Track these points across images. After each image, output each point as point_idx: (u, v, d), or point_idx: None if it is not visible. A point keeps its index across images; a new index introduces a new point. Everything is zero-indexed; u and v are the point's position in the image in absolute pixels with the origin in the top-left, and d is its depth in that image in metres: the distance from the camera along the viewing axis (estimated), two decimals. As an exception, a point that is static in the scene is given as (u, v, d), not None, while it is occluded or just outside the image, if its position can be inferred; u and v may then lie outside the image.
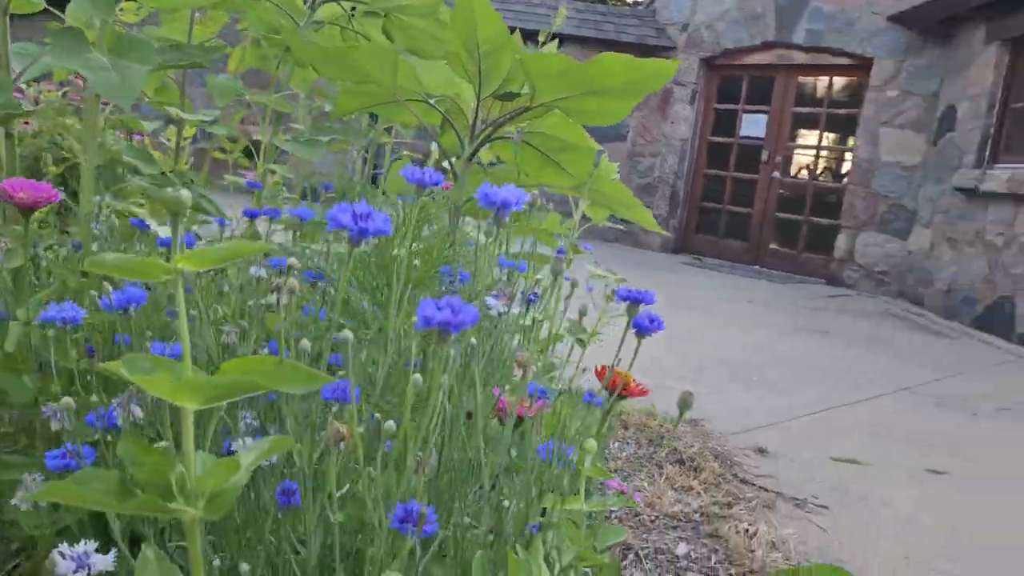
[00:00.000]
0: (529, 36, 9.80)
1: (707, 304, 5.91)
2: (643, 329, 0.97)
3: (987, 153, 6.47)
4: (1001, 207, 6.02)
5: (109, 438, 0.80)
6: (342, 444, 0.69)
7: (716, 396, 3.43)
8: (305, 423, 0.79)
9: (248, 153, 2.60)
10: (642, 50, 9.50)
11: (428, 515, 0.68)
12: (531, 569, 0.71)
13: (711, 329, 4.99)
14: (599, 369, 1.11)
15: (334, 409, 0.75)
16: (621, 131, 9.71)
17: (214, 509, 0.52)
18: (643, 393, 1.10)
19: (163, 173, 1.53)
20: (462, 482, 0.87)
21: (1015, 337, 5.62)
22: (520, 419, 0.90)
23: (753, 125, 8.96)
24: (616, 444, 2.56)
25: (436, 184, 0.81)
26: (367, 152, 2.36)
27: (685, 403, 1.03)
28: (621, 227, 8.61)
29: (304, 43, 1.14)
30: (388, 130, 2.41)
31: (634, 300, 0.97)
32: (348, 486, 0.81)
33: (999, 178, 5.96)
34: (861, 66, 7.99)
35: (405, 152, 2.54)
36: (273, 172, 1.73)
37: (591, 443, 0.84)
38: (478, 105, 1.13)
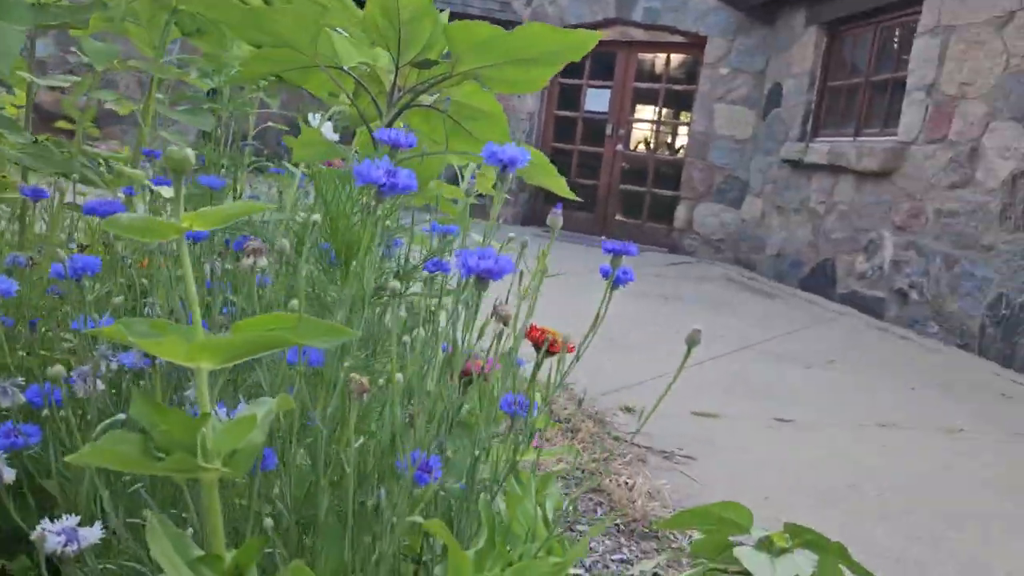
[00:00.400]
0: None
1: (559, 274, 6.10)
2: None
3: (809, 127, 7.03)
4: (822, 177, 6.57)
5: (61, 413, 0.77)
6: (364, 396, 0.71)
7: (581, 360, 3.58)
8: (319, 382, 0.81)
9: (97, 123, 2.45)
10: (488, 23, 9.55)
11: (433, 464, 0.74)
12: (525, 503, 0.76)
13: (566, 297, 5.16)
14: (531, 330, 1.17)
15: (346, 364, 0.77)
16: (470, 105, 9.75)
17: (236, 467, 0.52)
18: (571, 350, 1.17)
19: (36, 140, 1.43)
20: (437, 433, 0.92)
21: (836, 296, 6.18)
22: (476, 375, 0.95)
23: (597, 100, 9.26)
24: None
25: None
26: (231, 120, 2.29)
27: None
28: (474, 201, 8.66)
29: (221, 2, 1.10)
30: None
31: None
32: (362, 439, 0.83)
33: (820, 150, 6.50)
34: (696, 44, 8.43)
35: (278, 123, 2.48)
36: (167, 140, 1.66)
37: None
38: (396, 73, 1.15)
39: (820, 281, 6.45)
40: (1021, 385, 4.07)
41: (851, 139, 6.37)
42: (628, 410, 2.93)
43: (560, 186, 1.40)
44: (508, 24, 9.28)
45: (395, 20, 1.04)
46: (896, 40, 6.01)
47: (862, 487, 2.43)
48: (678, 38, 8.52)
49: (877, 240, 5.75)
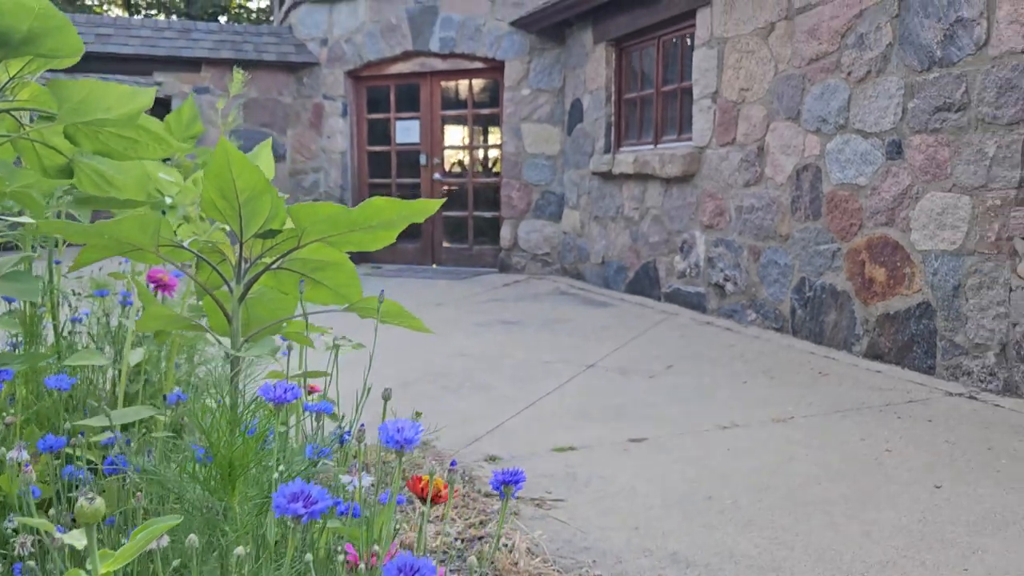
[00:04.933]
0: (161, 62, 9.16)
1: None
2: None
3: (613, 139, 7.41)
4: (632, 185, 6.95)
5: None
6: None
7: (435, 411, 3.60)
8: None
9: None
10: (286, 67, 9.39)
11: None
12: None
13: (406, 341, 5.17)
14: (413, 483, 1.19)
15: None
16: (278, 151, 9.54)
17: None
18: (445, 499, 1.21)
19: None
20: None
21: (662, 296, 6.55)
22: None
23: (407, 131, 9.31)
24: (364, 489, 2.60)
25: (295, 398, 0.82)
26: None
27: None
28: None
29: (63, 224, 1.05)
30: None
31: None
32: None
33: (626, 160, 6.87)
34: (495, 68, 8.67)
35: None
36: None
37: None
38: (241, 246, 1.13)
39: (645, 283, 6.81)
40: (832, 360, 4.50)
41: (652, 147, 6.78)
42: (493, 459, 2.98)
43: (416, 325, 1.43)
44: (303, 66, 9.16)
45: (234, 201, 1.04)
46: (679, 52, 6.46)
47: (719, 496, 2.61)
48: (477, 64, 8.73)
49: (690, 240, 6.16)
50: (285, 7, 10.13)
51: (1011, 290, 3.68)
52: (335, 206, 1.17)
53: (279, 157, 9.60)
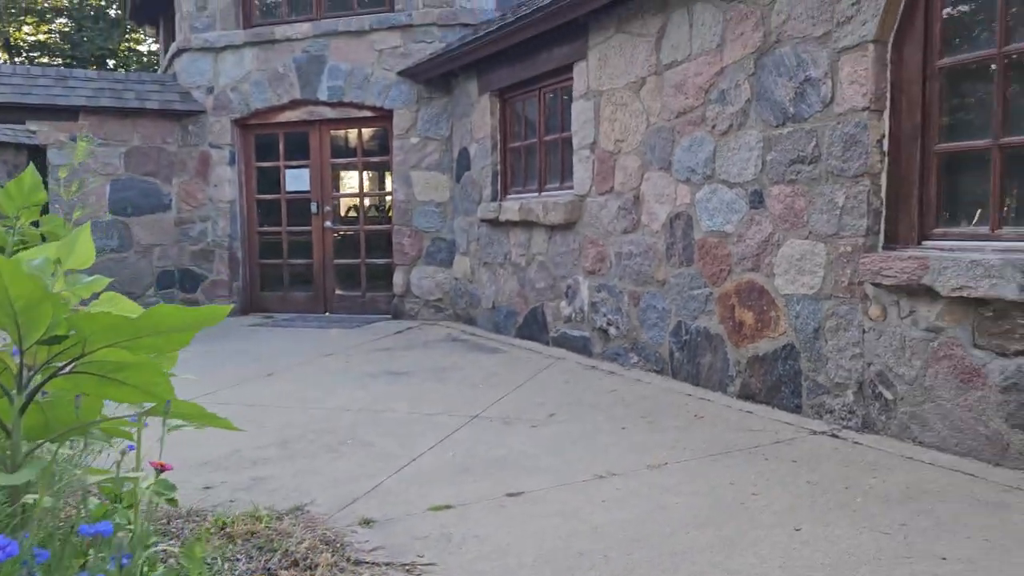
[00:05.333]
0: (34, 110, 8.83)
1: (282, 368, 5.97)
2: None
3: (499, 187, 7.53)
4: (519, 232, 7.06)
5: None
6: None
7: (313, 471, 3.54)
8: None
9: None
10: (170, 116, 9.18)
11: None
12: None
13: (293, 395, 5.07)
14: None
15: None
16: (163, 201, 9.28)
17: None
18: None
19: None
20: None
21: (550, 340, 6.65)
22: None
23: (297, 180, 9.21)
24: (227, 564, 2.53)
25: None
26: None
27: None
28: (182, 295, 8.16)
29: None
30: None
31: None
32: None
33: (512, 208, 6.99)
34: (384, 117, 8.70)
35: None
36: None
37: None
38: (22, 354, 1.10)
39: (534, 328, 6.90)
40: (708, 401, 4.65)
41: (537, 195, 6.92)
42: (367, 523, 2.95)
43: (222, 424, 1.42)
44: (189, 114, 8.97)
45: (9, 310, 1.01)
46: (559, 104, 6.64)
47: (590, 551, 2.66)
48: (366, 112, 8.74)
49: (574, 285, 6.29)
50: (169, 55, 9.93)
51: (864, 332, 3.91)
52: (117, 316, 1.16)
53: (164, 207, 9.34)
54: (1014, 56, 3.42)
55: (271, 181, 9.38)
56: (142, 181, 9.24)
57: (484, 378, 5.53)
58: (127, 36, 22.93)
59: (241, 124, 9.16)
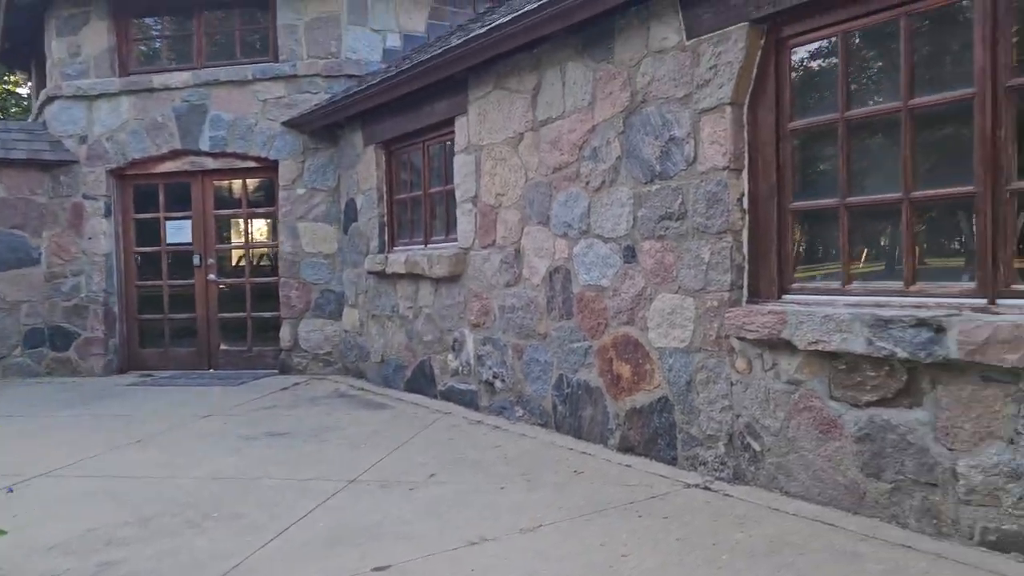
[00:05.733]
0: None
1: (154, 433, 5.68)
2: None
3: (386, 238, 7.46)
4: (406, 284, 6.99)
5: None
6: None
7: (171, 552, 3.34)
8: None
9: None
10: (39, 166, 8.76)
11: None
12: None
13: (159, 464, 4.81)
14: None
15: None
16: (32, 255, 8.80)
17: None
18: None
19: None
20: None
21: (438, 394, 6.57)
22: None
23: (178, 232, 8.90)
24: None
25: None
26: None
27: None
28: (53, 354, 7.69)
29: None
30: None
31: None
32: None
33: (398, 260, 6.92)
34: (269, 167, 8.53)
35: None
36: None
37: None
38: None
39: (422, 382, 6.81)
40: (589, 456, 4.65)
41: (423, 247, 6.88)
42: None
43: None
44: (60, 164, 8.58)
45: None
46: (443, 156, 6.65)
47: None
48: (251, 163, 8.55)
49: (460, 338, 6.25)
50: (40, 102, 9.50)
51: (732, 384, 4.00)
52: None
53: (33, 261, 8.84)
54: (855, 120, 3.61)
55: (151, 233, 9.03)
56: (8, 234, 8.74)
57: (367, 437, 5.40)
58: (4, 79, 21.90)
59: (118, 174, 8.81)
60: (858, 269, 3.66)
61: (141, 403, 7.03)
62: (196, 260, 8.83)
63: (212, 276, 8.80)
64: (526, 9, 4.98)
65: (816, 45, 3.79)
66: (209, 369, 8.84)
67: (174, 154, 8.64)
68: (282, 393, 7.33)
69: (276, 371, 8.53)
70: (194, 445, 5.32)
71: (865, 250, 3.70)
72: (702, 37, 4.05)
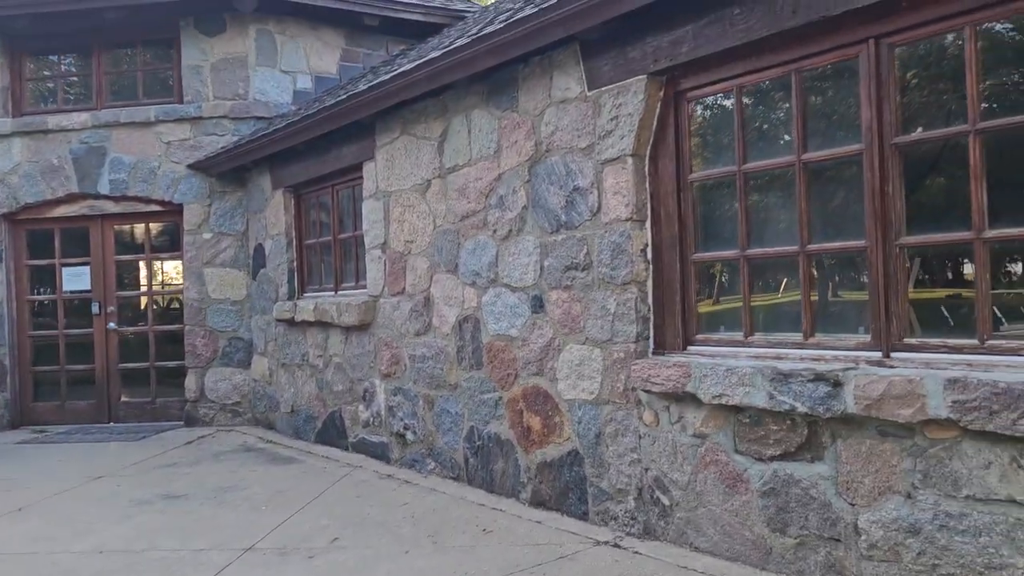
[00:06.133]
0: None
1: (38, 499, 5.30)
2: None
3: (296, 285, 7.24)
4: (315, 333, 6.78)
5: None
6: None
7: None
8: None
9: None
10: (-79, 211, 8.24)
11: None
12: None
13: (36, 538, 4.47)
14: None
15: None
16: (-88, 305, 8.24)
17: None
18: None
19: None
20: None
21: (349, 446, 6.35)
22: None
23: (76, 278, 8.47)
24: None
25: None
26: None
27: None
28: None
29: None
30: None
31: None
32: None
33: (307, 308, 6.71)
34: (174, 211, 8.22)
35: None
36: None
37: None
38: None
39: (333, 433, 6.58)
40: (500, 511, 4.52)
41: (333, 294, 6.69)
42: None
43: None
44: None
45: None
46: (352, 202, 6.51)
47: None
48: (154, 207, 8.24)
49: (371, 388, 6.07)
50: (-75, 142, 8.97)
51: (640, 437, 3.94)
52: None
53: (-85, 311, 8.28)
54: (752, 173, 3.63)
55: (46, 280, 8.58)
56: None
57: (271, 497, 5.15)
58: None
59: (9, 219, 8.37)
60: (759, 321, 3.66)
61: (29, 463, 6.59)
62: (95, 308, 8.41)
63: (112, 324, 8.39)
64: (430, 56, 4.93)
65: (713, 98, 3.82)
66: (109, 422, 8.39)
67: (71, 198, 8.26)
68: (185, 448, 6.98)
69: (181, 423, 8.15)
70: (81, 513, 4.98)
71: (766, 302, 3.71)
72: (603, 88, 4.05)
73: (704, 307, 3.88)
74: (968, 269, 3.16)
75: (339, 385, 6.48)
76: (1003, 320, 3.12)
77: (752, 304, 3.65)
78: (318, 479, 5.58)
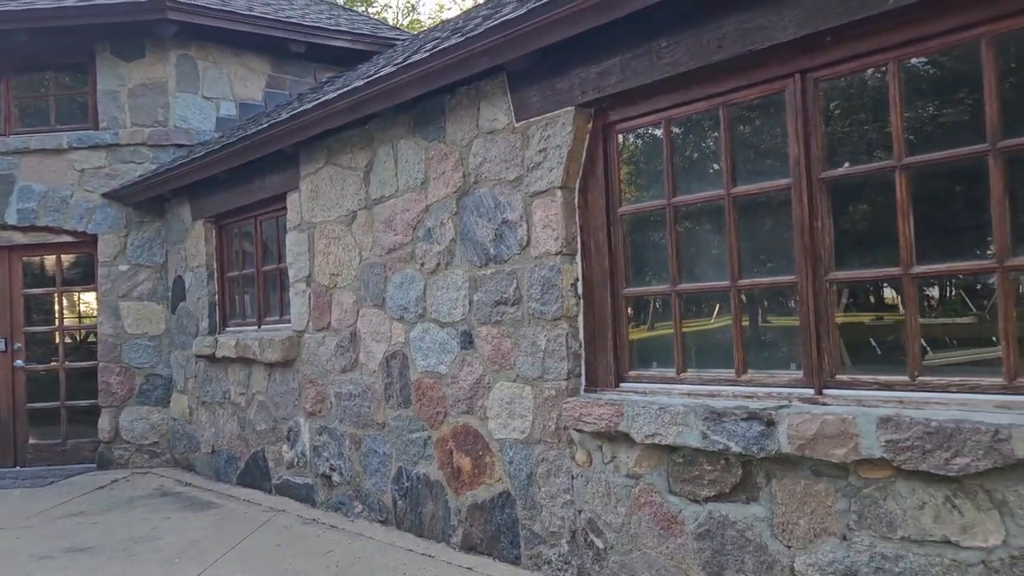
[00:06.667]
0: None
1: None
2: None
3: (217, 319, 6.95)
4: (237, 369, 6.49)
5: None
6: None
7: None
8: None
9: None
10: None
11: None
12: None
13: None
14: None
15: None
16: None
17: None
18: None
19: None
20: None
21: (273, 488, 6.07)
22: None
23: (-20, 313, 7.99)
24: None
25: None
26: None
27: None
28: None
29: None
30: None
31: None
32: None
33: (228, 344, 6.43)
34: (88, 242, 7.84)
35: None
36: None
37: None
38: None
39: (255, 475, 6.29)
40: (429, 558, 4.33)
41: (257, 328, 6.43)
42: None
43: None
44: None
45: None
46: (275, 233, 6.28)
47: None
48: (66, 238, 7.84)
49: (295, 428, 5.81)
50: None
51: (573, 478, 3.82)
52: None
53: None
54: (682, 206, 3.58)
55: (-52, 316, 8.06)
56: None
57: (185, 548, 4.85)
58: None
59: (-93, 252, 7.86)
60: (692, 357, 3.58)
61: (-78, 515, 6.11)
62: (1, 345, 7.93)
63: (19, 362, 7.92)
64: (354, 85, 4.78)
65: (642, 131, 3.77)
66: (15, 466, 7.88)
67: (-25, 229, 7.81)
68: (97, 494, 6.58)
69: (94, 466, 7.71)
70: (-25, 570, 4.61)
71: (698, 337, 3.64)
72: (531, 120, 3.96)
73: (638, 334, 3.79)
74: (892, 298, 3.15)
75: (262, 424, 6.20)
76: (928, 349, 3.11)
77: (684, 340, 3.58)
78: (238, 526, 5.29)
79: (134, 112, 7.74)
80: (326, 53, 8.51)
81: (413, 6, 25.25)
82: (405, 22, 23.46)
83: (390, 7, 24.54)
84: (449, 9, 24.23)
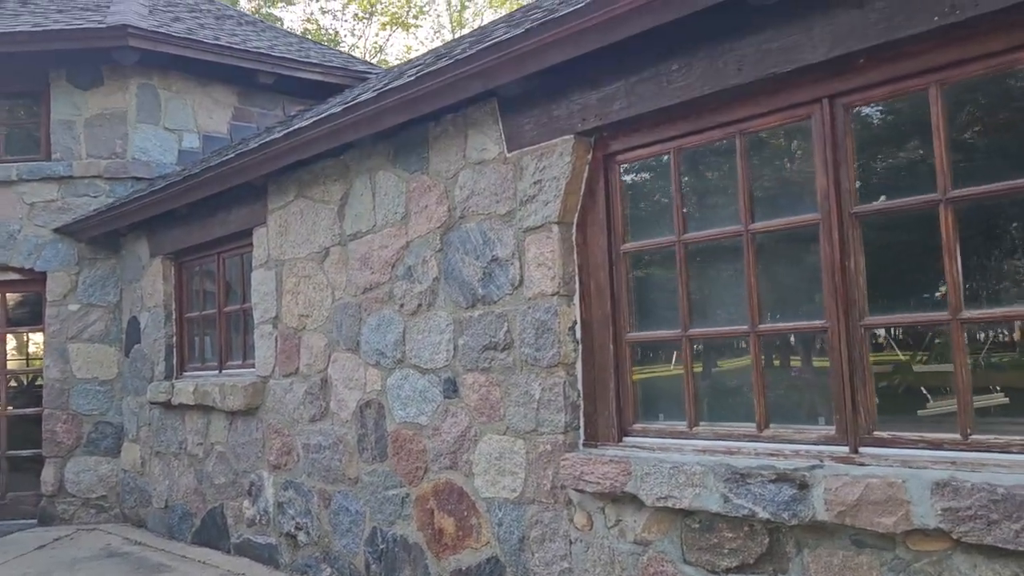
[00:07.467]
0: None
1: None
2: None
3: (175, 363, 6.49)
4: (195, 417, 6.03)
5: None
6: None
7: None
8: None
9: None
10: None
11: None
12: None
13: None
14: None
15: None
16: None
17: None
18: None
19: None
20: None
21: (232, 547, 5.58)
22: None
23: (-85, 356, 7.41)
24: None
25: None
26: None
27: None
28: None
29: None
30: None
31: None
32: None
33: (186, 390, 5.97)
34: (36, 280, 7.34)
35: None
36: None
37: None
38: None
39: (213, 533, 5.79)
40: (407, 631, 3.90)
41: (218, 373, 5.99)
42: None
43: None
44: None
45: None
46: (240, 272, 5.88)
47: None
48: (12, 275, 7.33)
49: (258, 482, 5.36)
50: None
51: (571, 543, 3.44)
52: None
53: None
54: (693, 244, 3.28)
55: None
56: None
57: (133, 619, 4.35)
58: None
59: None
60: (704, 408, 3.25)
61: None
62: (-62, 390, 7.35)
63: (-42, 408, 7.34)
64: (330, 112, 4.45)
65: (648, 162, 3.48)
66: (-52, 523, 7.26)
67: (-87, 263, 7.28)
68: (36, 555, 6.02)
69: (35, 522, 7.11)
70: None
71: (712, 386, 3.32)
72: (525, 149, 3.66)
73: (643, 383, 3.46)
74: (928, 344, 2.87)
75: (221, 477, 5.72)
76: (929, 398, 2.85)
77: (696, 389, 3.25)
78: (192, 592, 4.80)
79: (90, 143, 7.32)
80: (296, 85, 8.18)
81: (381, 47, 25.15)
82: (374, 61, 23.32)
83: (357, 47, 24.40)
84: (416, 51, 24.17)
